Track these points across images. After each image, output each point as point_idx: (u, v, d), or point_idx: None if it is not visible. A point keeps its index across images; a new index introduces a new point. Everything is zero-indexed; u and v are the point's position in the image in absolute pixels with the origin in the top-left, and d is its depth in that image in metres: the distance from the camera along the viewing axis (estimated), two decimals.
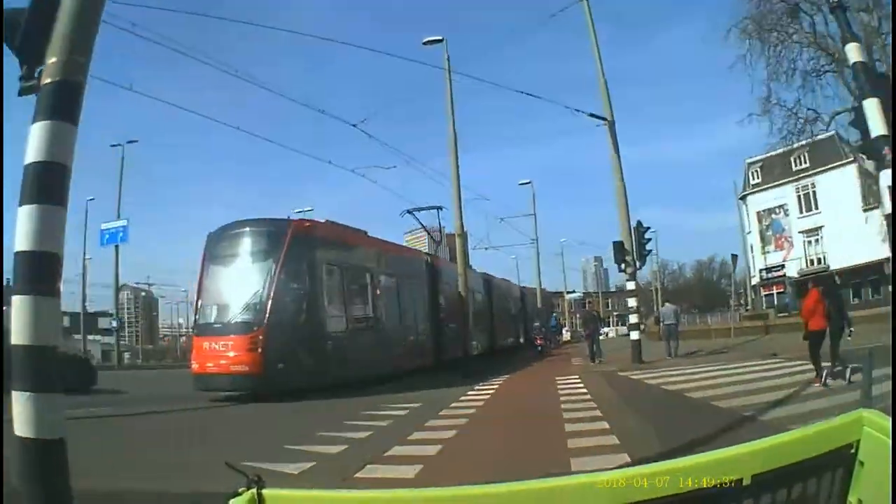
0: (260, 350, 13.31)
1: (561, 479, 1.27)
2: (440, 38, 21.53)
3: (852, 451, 1.24)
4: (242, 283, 14.12)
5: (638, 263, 18.74)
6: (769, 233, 50.53)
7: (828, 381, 10.20)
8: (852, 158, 41.51)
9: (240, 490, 1.25)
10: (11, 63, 3.02)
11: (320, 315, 15.08)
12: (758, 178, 51.49)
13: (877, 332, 16.20)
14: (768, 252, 50.11)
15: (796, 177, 46.41)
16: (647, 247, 19.13)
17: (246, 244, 14.67)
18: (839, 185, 42.02)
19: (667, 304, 22.57)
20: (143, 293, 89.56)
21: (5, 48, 3.00)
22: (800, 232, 47.49)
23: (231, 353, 13.39)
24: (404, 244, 25.91)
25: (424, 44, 21.54)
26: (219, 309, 14.34)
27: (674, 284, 77.17)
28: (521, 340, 36.06)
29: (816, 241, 46.89)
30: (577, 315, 65.70)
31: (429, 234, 25.31)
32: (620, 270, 18.94)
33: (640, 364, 17.41)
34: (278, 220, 15.62)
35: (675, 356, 18.82)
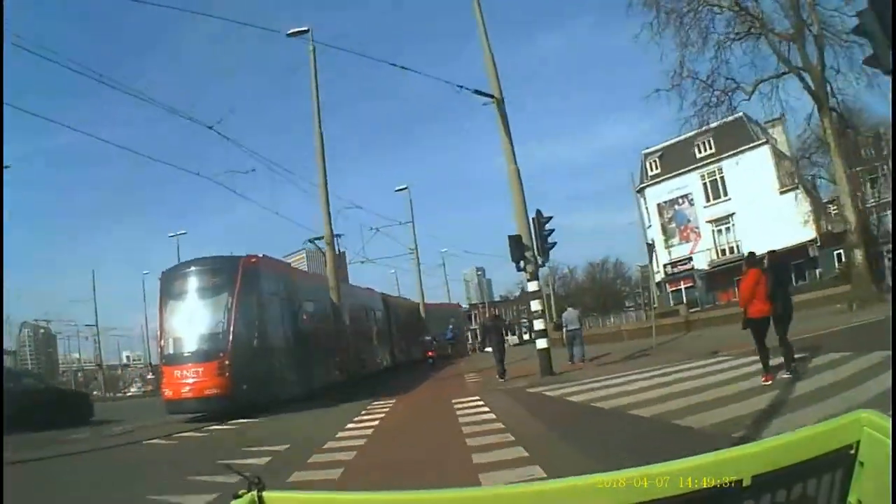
0: (227, 374, 15.30)
1: (561, 480, 1.25)
2: (305, 28, 20.42)
3: (852, 451, 1.27)
4: (204, 315, 16.13)
5: (540, 259, 16.27)
6: (672, 225, 47.99)
7: (782, 374, 9.22)
8: (764, 140, 42.05)
9: (240, 492, 1.26)
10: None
11: (270, 339, 17.29)
12: (656, 168, 49.27)
13: (813, 319, 16.08)
14: (673, 245, 47.60)
15: (701, 163, 45.38)
16: (550, 239, 16.23)
17: (204, 281, 16.60)
18: (750, 169, 40.18)
19: (569, 308, 20.36)
20: (42, 329, 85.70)
21: None
22: (708, 221, 45.33)
23: (201, 379, 15.28)
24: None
25: (289, 35, 20.18)
26: (184, 340, 16.08)
27: (565, 289, 76.47)
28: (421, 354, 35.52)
29: (727, 229, 44.63)
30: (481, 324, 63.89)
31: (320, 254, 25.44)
32: (519, 269, 16.11)
33: (552, 376, 15.35)
34: (230, 257, 17.66)
35: (584, 362, 17.72)
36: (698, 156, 45.99)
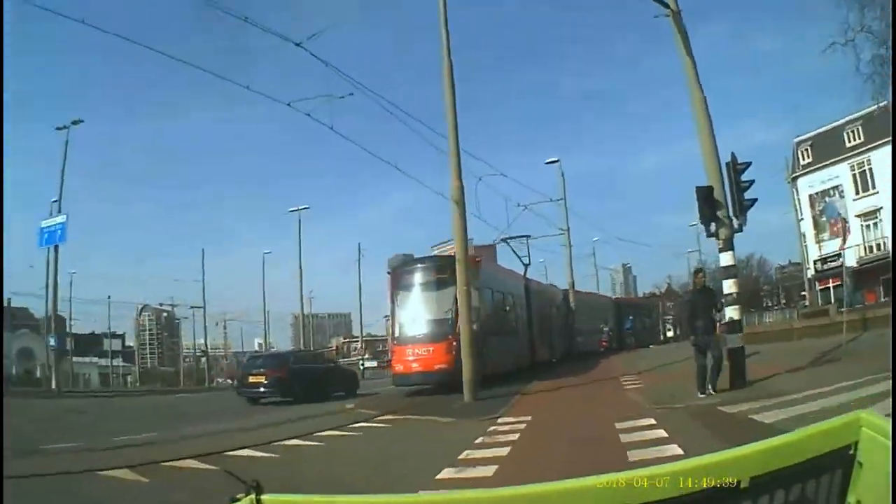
0: (453, 353, 17.58)
1: (561, 482, 1.29)
2: None
3: (851, 452, 1.25)
4: (435, 304, 19.14)
5: (736, 221, 12.41)
6: (823, 218, 44.75)
7: None
8: None
9: (238, 496, 1.30)
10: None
11: (486, 325, 19.70)
12: (808, 157, 46.54)
13: None
14: (823, 240, 44.16)
15: (850, 153, 42.51)
16: (748, 195, 12.53)
17: (433, 276, 19.43)
18: None
19: None
20: (165, 314, 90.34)
21: None
22: (856, 216, 41.67)
23: (431, 356, 18.24)
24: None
25: None
26: (415, 324, 19.12)
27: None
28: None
29: (875, 224, 41.22)
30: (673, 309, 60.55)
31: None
32: (710, 235, 12.54)
33: (746, 389, 11.16)
34: (454, 256, 19.31)
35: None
36: (848, 145, 43.04)
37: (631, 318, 46.91)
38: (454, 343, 17.66)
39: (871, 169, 41.09)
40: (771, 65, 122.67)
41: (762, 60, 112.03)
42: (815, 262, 43.84)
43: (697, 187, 12.44)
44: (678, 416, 9.36)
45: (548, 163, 40.55)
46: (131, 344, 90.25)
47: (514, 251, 29.48)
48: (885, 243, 39.22)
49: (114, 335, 60.28)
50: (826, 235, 43.83)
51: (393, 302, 20.01)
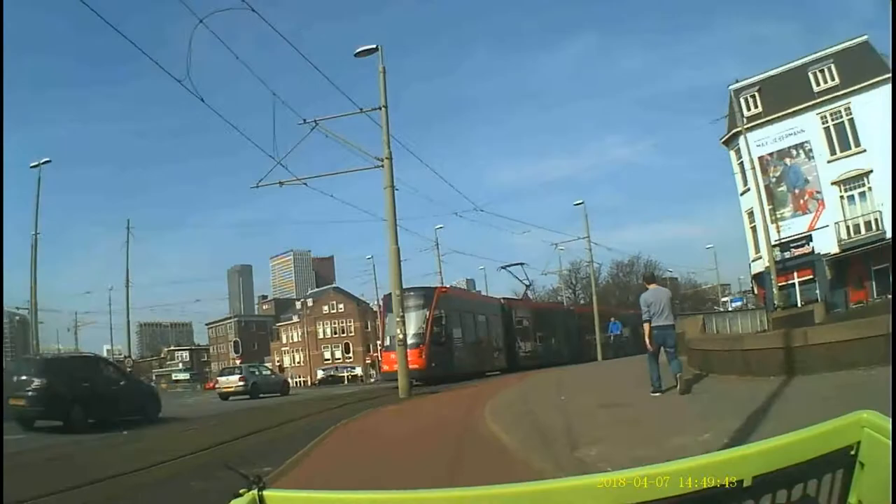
0: (424, 356, 26.09)
1: (560, 480, 1.31)
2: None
3: (852, 452, 1.27)
4: (413, 321, 26.19)
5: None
6: (782, 187, 34.18)
7: None
8: None
9: (241, 491, 1.31)
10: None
11: (451, 338, 28.81)
12: (756, 106, 35.48)
13: None
14: (784, 218, 34.01)
15: (821, 99, 32.54)
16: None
17: (413, 301, 26.77)
18: (888, 108, 27.69)
19: (653, 286, 11.12)
20: (17, 317, 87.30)
21: None
22: (833, 183, 32.17)
23: (410, 359, 22.72)
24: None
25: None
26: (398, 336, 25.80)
27: (585, 293, 65.55)
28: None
29: (861, 194, 31.38)
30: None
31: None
32: None
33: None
34: (429, 287, 30.79)
35: (679, 381, 10.15)
36: (816, 89, 33.10)
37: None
38: (425, 350, 26.20)
39: (851, 120, 31.77)
40: None
41: None
42: (773, 246, 32.26)
43: None
44: None
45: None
46: None
47: (514, 275, 40.78)
48: (877, 220, 30.47)
49: None
50: (787, 211, 34.32)
51: (381, 319, 30.11)
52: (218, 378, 35.20)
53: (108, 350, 59.46)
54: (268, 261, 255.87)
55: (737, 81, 37.14)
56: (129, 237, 43.02)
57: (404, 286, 25.08)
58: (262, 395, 29.75)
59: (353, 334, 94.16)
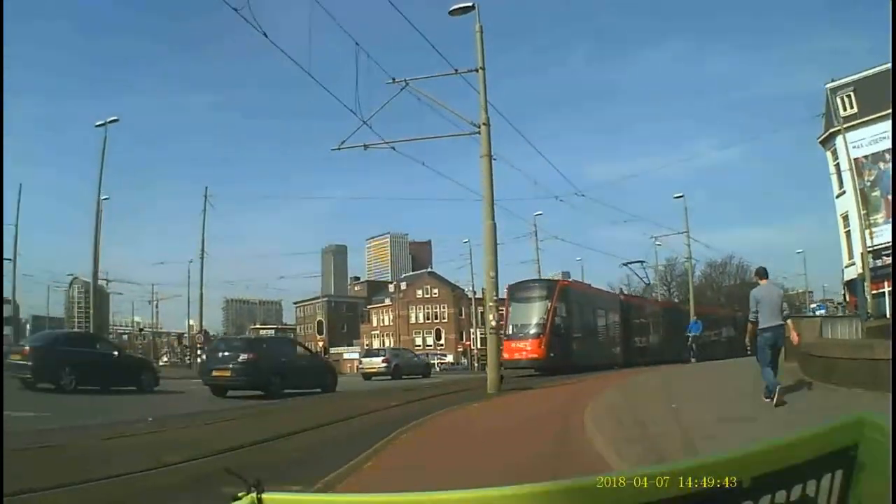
0: (544, 346, 27.58)
1: (560, 482, 1.33)
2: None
3: (852, 453, 1.24)
4: (535, 312, 28.47)
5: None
6: (876, 192, 32.39)
7: None
8: None
9: (239, 494, 1.33)
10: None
11: (570, 331, 29.88)
12: (851, 107, 33.80)
13: None
14: (875, 224, 32.00)
15: None
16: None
17: (536, 293, 29.63)
18: None
19: (765, 282, 10.77)
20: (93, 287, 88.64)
21: None
22: None
23: (529, 348, 26.90)
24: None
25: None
26: (521, 325, 28.82)
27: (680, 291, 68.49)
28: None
29: None
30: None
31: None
32: None
33: None
34: (552, 280, 36.05)
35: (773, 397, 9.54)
36: None
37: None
38: (544, 340, 27.62)
39: None
40: None
41: None
42: (868, 252, 30.89)
43: None
44: None
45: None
46: (61, 316, 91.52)
47: (635, 272, 42.82)
48: None
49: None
50: (880, 217, 32.45)
51: (507, 309, 29.82)
52: (362, 359, 37.99)
53: (189, 325, 61.07)
54: (364, 242, 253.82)
55: (832, 80, 36.11)
56: (205, 205, 44.06)
57: (519, 280, 30.96)
58: (404, 377, 32.58)
59: (446, 320, 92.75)
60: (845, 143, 32.18)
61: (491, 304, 19.05)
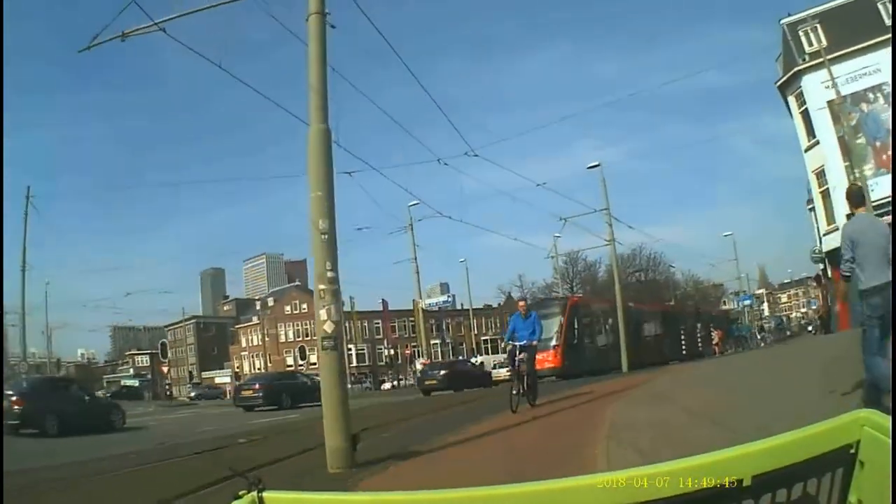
0: (559, 356, 30.59)
1: (560, 481, 1.33)
2: None
3: (852, 451, 1.26)
4: (549, 326, 28.36)
5: None
6: (860, 139, 26.80)
7: None
8: None
9: (240, 493, 1.34)
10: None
11: (582, 341, 33.50)
12: (819, 40, 28.07)
13: None
14: (865, 176, 25.64)
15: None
16: None
17: (549, 308, 31.96)
18: None
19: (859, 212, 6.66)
20: None
21: None
22: None
23: (547, 358, 28.19)
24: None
25: None
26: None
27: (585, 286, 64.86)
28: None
29: None
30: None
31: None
32: None
33: None
34: (564, 297, 42.48)
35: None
36: (888, 22, 26.26)
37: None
38: (559, 350, 30.58)
39: None
40: None
41: None
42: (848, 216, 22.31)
43: None
44: None
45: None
46: None
47: (639, 280, 49.57)
48: None
49: None
50: (868, 168, 26.53)
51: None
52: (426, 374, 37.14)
53: (81, 354, 55.98)
54: (241, 265, 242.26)
55: (789, 15, 30.58)
56: (27, 207, 34.68)
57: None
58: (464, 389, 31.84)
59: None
60: (834, 78, 25.97)
61: (324, 286, 8.15)
